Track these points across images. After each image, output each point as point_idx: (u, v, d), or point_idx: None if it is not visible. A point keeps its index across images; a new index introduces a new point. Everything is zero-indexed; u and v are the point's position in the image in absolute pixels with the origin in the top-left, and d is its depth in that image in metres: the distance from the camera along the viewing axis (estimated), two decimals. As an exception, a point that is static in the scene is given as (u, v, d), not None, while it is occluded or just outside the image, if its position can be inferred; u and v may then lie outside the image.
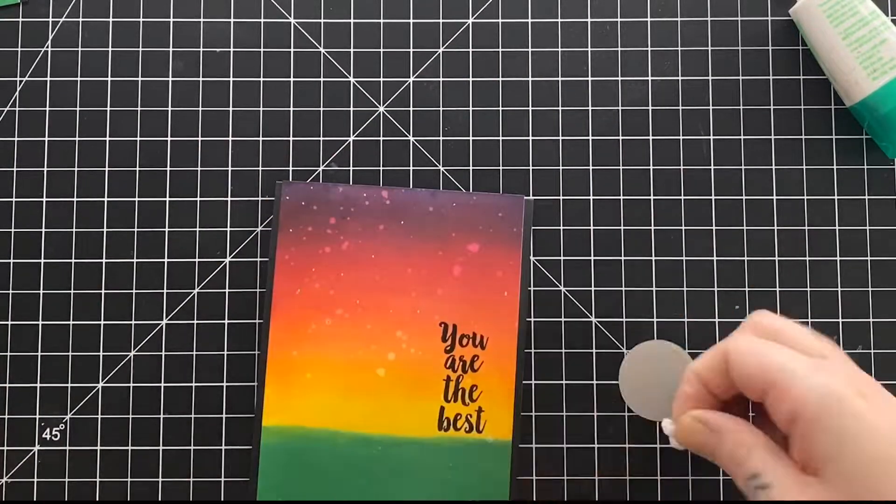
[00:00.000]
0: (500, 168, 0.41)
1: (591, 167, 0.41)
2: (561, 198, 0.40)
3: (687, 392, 0.33)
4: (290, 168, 0.41)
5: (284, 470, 0.38)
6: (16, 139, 0.41)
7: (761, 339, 0.32)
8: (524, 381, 0.39)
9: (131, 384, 0.40)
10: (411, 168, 0.41)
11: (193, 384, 0.40)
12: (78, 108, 0.41)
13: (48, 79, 0.41)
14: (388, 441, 0.38)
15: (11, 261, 0.40)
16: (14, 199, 0.40)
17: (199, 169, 0.41)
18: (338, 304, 0.39)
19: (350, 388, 0.39)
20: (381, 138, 0.41)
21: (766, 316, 0.33)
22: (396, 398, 0.38)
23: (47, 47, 0.41)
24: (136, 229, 0.40)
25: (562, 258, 0.40)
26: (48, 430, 0.40)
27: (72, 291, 0.40)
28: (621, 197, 0.41)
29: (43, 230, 0.40)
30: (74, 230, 0.40)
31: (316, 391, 0.39)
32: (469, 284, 0.39)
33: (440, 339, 0.39)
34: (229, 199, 0.41)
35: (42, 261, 0.40)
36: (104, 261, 0.40)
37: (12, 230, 0.40)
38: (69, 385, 0.40)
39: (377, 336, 0.39)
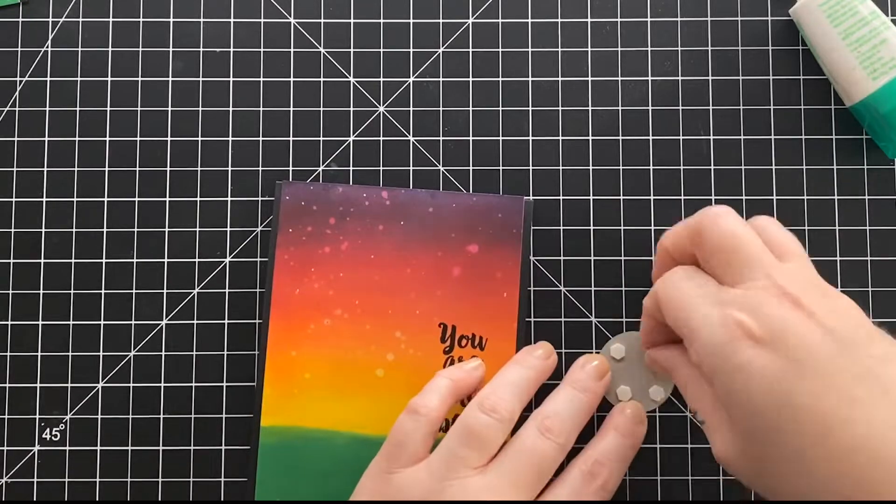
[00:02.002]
0: (500, 168, 0.41)
1: (591, 167, 0.41)
2: (561, 198, 0.41)
3: (655, 265, 0.36)
4: (290, 168, 0.41)
5: (282, 470, 0.38)
6: (16, 139, 0.41)
7: (682, 277, 0.32)
8: (524, 381, 0.39)
9: (131, 384, 0.40)
10: (411, 168, 0.41)
11: (193, 384, 0.40)
12: (78, 108, 0.41)
13: (48, 79, 0.41)
14: None
15: (11, 261, 0.40)
16: (14, 199, 0.40)
17: (199, 169, 0.41)
18: (337, 304, 0.39)
19: (349, 389, 0.39)
20: (381, 138, 0.41)
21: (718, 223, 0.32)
22: (395, 399, 0.38)
23: (47, 47, 0.41)
24: (135, 229, 0.40)
25: (562, 258, 0.40)
26: (48, 430, 0.40)
27: (72, 291, 0.40)
28: (621, 197, 0.41)
29: (43, 230, 0.40)
30: (74, 230, 0.40)
31: (315, 391, 0.39)
32: (468, 285, 0.39)
33: (439, 339, 0.39)
34: (229, 199, 0.41)
35: (42, 261, 0.40)
36: (104, 261, 0.40)
37: (12, 230, 0.40)
38: (69, 385, 0.40)
39: (376, 336, 0.39)
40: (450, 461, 0.33)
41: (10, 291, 0.40)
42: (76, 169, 0.41)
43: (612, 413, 0.37)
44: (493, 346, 0.39)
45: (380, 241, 0.39)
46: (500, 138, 0.41)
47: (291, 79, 0.41)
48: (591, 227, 0.40)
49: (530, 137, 0.41)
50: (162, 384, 0.40)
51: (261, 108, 0.41)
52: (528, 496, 0.33)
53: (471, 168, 0.41)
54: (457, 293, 0.39)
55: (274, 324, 0.39)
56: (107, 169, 0.41)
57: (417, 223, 0.39)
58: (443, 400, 0.35)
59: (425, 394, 0.35)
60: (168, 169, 0.41)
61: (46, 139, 0.41)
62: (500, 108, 0.41)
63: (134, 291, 0.40)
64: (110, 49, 0.41)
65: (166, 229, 0.40)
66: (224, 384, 0.40)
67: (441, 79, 0.41)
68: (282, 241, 0.39)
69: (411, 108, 0.41)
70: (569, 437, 0.34)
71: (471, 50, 0.41)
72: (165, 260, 0.40)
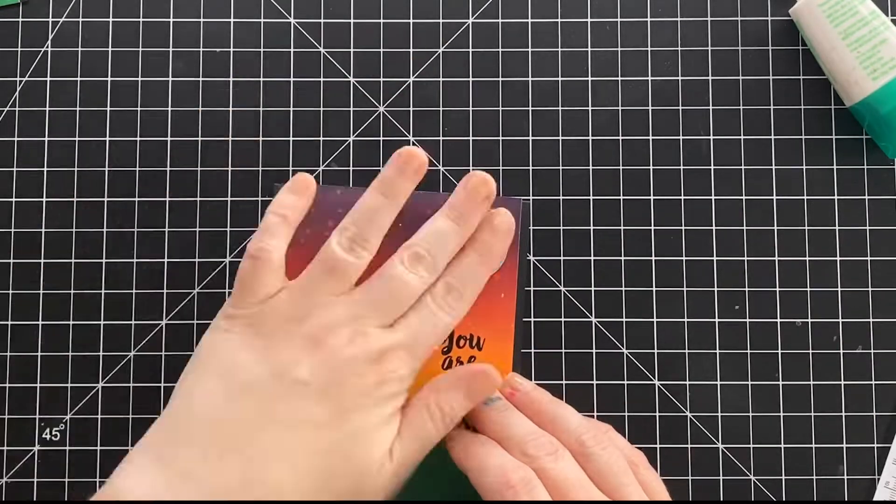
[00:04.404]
0: (500, 168, 0.41)
1: (591, 167, 0.41)
2: (561, 198, 0.41)
3: None
4: (290, 168, 0.41)
5: None
6: (16, 139, 0.41)
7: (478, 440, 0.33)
8: (524, 381, 0.39)
9: (131, 384, 0.40)
10: (411, 168, 0.41)
11: (193, 384, 0.40)
12: (78, 108, 0.41)
13: (48, 79, 0.41)
14: None
15: (11, 261, 0.40)
16: (14, 199, 0.40)
17: (199, 169, 0.41)
18: None
19: None
20: (381, 138, 0.41)
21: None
22: None
23: (47, 47, 0.41)
24: (136, 229, 0.40)
25: (562, 258, 0.40)
26: (48, 430, 0.40)
27: (72, 291, 0.40)
28: (621, 197, 0.41)
29: (43, 230, 0.40)
30: (74, 230, 0.40)
31: None
32: None
33: None
34: (229, 199, 0.41)
35: (42, 261, 0.40)
36: (104, 261, 0.40)
37: (12, 230, 0.40)
38: (69, 385, 0.40)
39: None
40: (311, 290, 0.33)
41: (10, 291, 0.40)
42: (76, 169, 0.41)
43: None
44: (491, 346, 0.39)
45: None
46: (500, 138, 0.41)
47: (291, 79, 0.41)
48: (591, 227, 0.40)
49: (530, 137, 0.41)
50: (162, 384, 0.40)
51: (261, 108, 0.41)
52: (392, 319, 0.33)
53: (471, 168, 0.41)
54: None
55: None
56: (107, 169, 0.41)
57: (416, 225, 0.39)
58: (282, 236, 0.35)
59: (264, 234, 0.35)
60: (168, 169, 0.41)
61: (46, 139, 0.41)
62: (500, 108, 0.41)
63: (134, 291, 0.40)
64: (110, 49, 0.41)
65: (166, 229, 0.40)
66: (224, 384, 0.40)
67: (441, 79, 0.41)
68: None
69: (411, 108, 0.41)
70: (438, 269, 0.35)
71: (471, 50, 0.41)
72: (165, 260, 0.40)
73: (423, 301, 0.34)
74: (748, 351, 0.40)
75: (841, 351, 0.40)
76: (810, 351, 0.40)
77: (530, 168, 0.41)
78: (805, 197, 0.41)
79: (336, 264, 0.34)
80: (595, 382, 0.40)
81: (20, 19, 0.41)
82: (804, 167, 0.41)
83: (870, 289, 0.40)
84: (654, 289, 0.40)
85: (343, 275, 0.34)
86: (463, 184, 0.35)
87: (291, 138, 0.41)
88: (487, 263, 0.35)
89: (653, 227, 0.40)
